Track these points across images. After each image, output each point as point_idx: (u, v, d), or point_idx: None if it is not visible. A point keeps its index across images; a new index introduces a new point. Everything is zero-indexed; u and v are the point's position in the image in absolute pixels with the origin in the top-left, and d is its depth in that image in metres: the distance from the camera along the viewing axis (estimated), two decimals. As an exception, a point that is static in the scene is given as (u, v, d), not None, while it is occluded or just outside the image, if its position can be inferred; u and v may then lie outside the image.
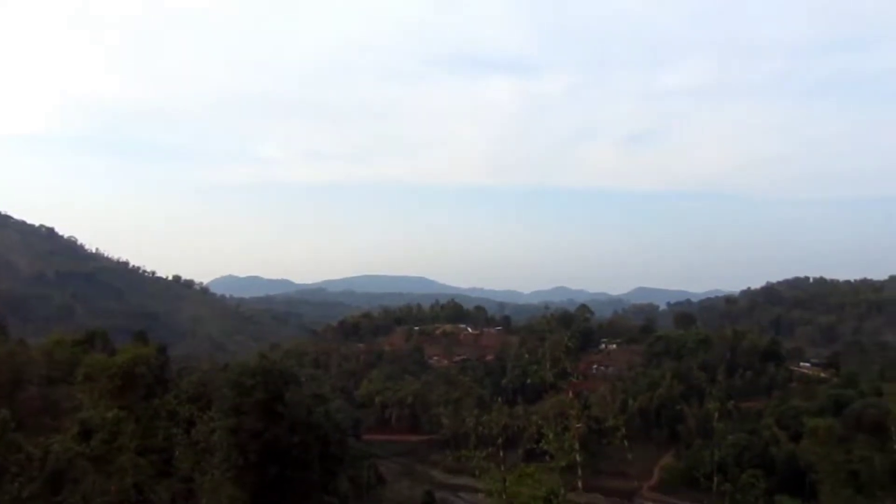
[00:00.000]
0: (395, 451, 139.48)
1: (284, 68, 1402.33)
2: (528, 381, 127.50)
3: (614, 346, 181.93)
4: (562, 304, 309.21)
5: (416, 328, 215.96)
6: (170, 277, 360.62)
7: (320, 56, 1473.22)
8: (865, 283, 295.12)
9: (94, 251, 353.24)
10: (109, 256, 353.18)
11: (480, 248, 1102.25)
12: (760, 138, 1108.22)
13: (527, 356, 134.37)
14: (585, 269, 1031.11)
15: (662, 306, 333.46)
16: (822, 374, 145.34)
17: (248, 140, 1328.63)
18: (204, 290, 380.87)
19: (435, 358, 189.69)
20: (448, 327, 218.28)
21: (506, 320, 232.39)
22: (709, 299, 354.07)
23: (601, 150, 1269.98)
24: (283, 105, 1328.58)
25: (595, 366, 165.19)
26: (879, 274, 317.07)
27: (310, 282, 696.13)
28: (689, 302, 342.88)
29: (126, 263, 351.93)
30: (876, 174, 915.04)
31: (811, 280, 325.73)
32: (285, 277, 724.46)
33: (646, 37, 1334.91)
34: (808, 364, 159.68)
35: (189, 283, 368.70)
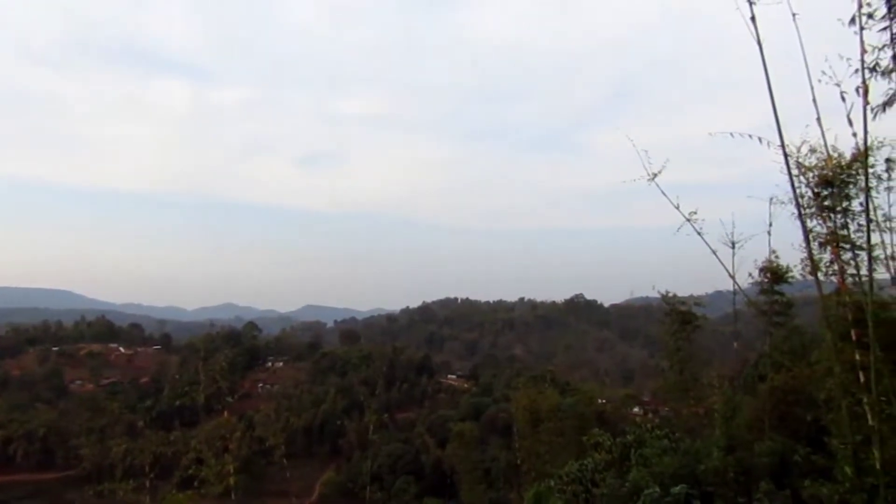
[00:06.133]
0: (22, 494, 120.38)
1: None
2: (178, 403, 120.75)
3: (281, 363, 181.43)
4: (229, 322, 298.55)
5: (55, 348, 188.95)
6: None
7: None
8: (501, 304, 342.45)
9: None
10: None
11: (138, 261, 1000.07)
12: (426, 170, 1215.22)
13: (177, 377, 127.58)
14: (255, 286, 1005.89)
15: (330, 324, 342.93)
16: (466, 385, 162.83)
17: None
18: None
19: (78, 382, 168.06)
20: (95, 347, 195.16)
21: (166, 339, 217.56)
22: (372, 317, 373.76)
23: (274, 168, 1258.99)
24: None
25: (261, 384, 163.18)
26: (512, 296, 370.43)
27: None
28: (354, 320, 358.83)
29: None
30: (511, 211, 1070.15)
31: (459, 301, 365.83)
32: None
33: (325, 63, 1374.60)
34: (454, 376, 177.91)
35: None
